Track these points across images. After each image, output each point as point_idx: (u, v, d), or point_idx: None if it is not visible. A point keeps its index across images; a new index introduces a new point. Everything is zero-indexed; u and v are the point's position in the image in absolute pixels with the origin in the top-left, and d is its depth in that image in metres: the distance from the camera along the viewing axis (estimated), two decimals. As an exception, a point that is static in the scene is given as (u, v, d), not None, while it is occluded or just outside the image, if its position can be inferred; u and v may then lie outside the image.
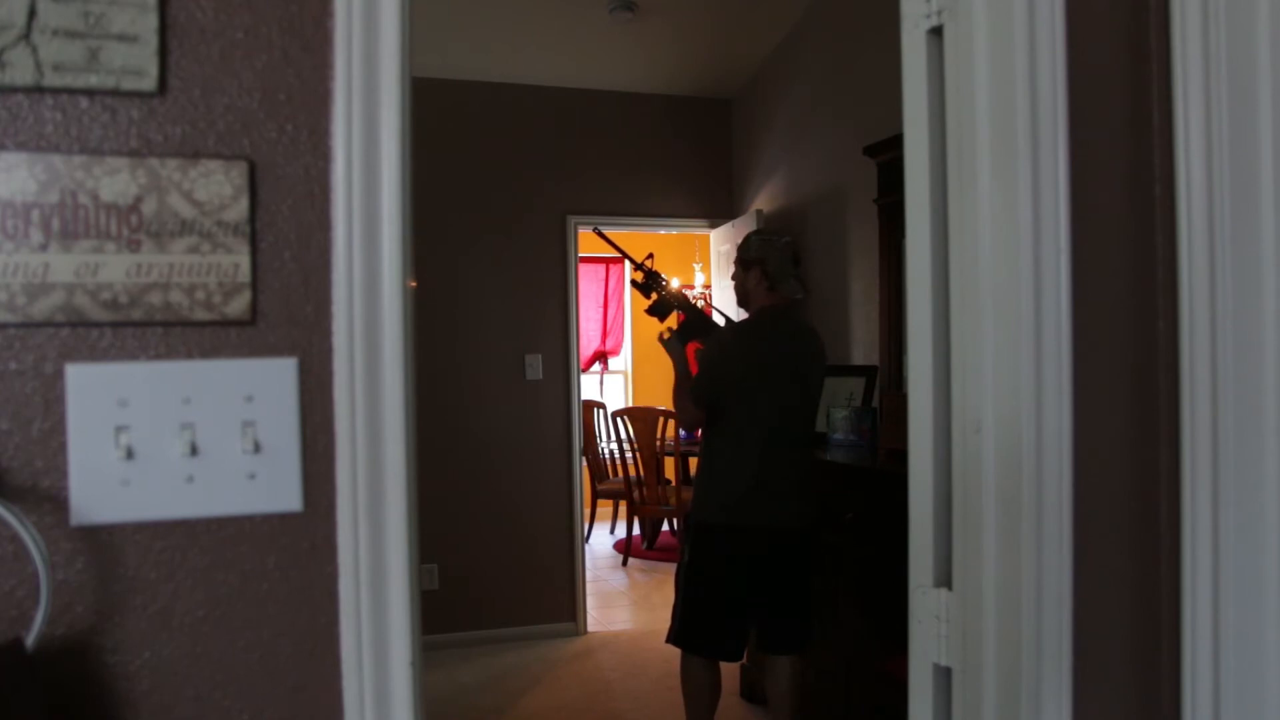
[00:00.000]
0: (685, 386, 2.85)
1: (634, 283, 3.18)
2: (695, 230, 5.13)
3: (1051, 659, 0.99)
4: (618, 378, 8.27)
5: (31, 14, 0.78)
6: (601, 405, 6.80)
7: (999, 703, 1.01)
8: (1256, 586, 0.92)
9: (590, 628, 4.76)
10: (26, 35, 0.78)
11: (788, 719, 2.88)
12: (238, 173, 0.84)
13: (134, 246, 0.81)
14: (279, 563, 0.86)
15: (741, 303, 2.93)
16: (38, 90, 0.79)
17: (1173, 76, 0.98)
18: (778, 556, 2.72)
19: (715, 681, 2.83)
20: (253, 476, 0.85)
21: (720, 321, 3.12)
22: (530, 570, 4.61)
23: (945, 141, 1.08)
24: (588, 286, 7.67)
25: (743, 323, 2.94)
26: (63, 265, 0.79)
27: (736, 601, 2.75)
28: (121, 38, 0.80)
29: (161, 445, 0.82)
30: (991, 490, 1.01)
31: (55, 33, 0.78)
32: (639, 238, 7.62)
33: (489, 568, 4.53)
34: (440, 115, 4.46)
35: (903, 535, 1.16)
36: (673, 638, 2.83)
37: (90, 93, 0.80)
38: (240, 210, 0.84)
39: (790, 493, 2.73)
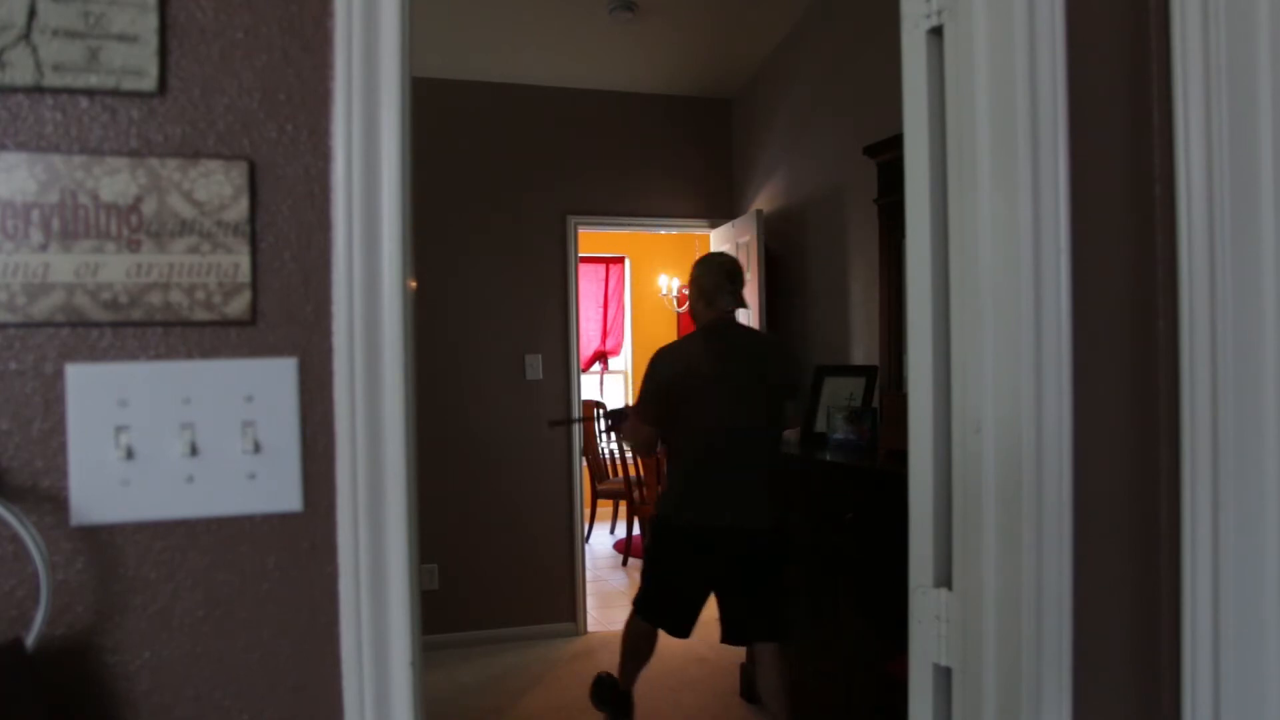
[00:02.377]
0: (628, 425, 3.16)
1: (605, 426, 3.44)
2: (695, 230, 5.13)
3: (1051, 659, 0.98)
4: (618, 378, 8.27)
5: (31, 14, 0.78)
6: (601, 405, 6.80)
7: (999, 703, 1.01)
8: (1256, 586, 0.92)
9: (590, 628, 4.76)
10: (26, 35, 0.78)
11: (787, 715, 3.04)
12: (238, 173, 0.84)
13: (134, 246, 0.81)
14: (279, 563, 0.86)
15: (694, 324, 3.14)
16: (38, 90, 0.79)
17: (1173, 76, 0.98)
18: (732, 554, 2.90)
19: (652, 640, 3.15)
20: (253, 476, 0.85)
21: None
22: (530, 570, 4.61)
23: (945, 142, 1.08)
24: (588, 286, 7.68)
25: (679, 340, 3.16)
26: (63, 265, 0.79)
27: (685, 591, 3.00)
28: (121, 38, 0.80)
29: (161, 445, 0.82)
30: (991, 490, 1.01)
31: (55, 33, 0.78)
32: (639, 238, 7.64)
33: (489, 568, 4.53)
34: (440, 115, 4.46)
35: (903, 535, 1.16)
36: (635, 602, 3.14)
37: (90, 93, 0.80)
38: (240, 210, 0.84)
39: (743, 494, 2.89)
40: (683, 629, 3.05)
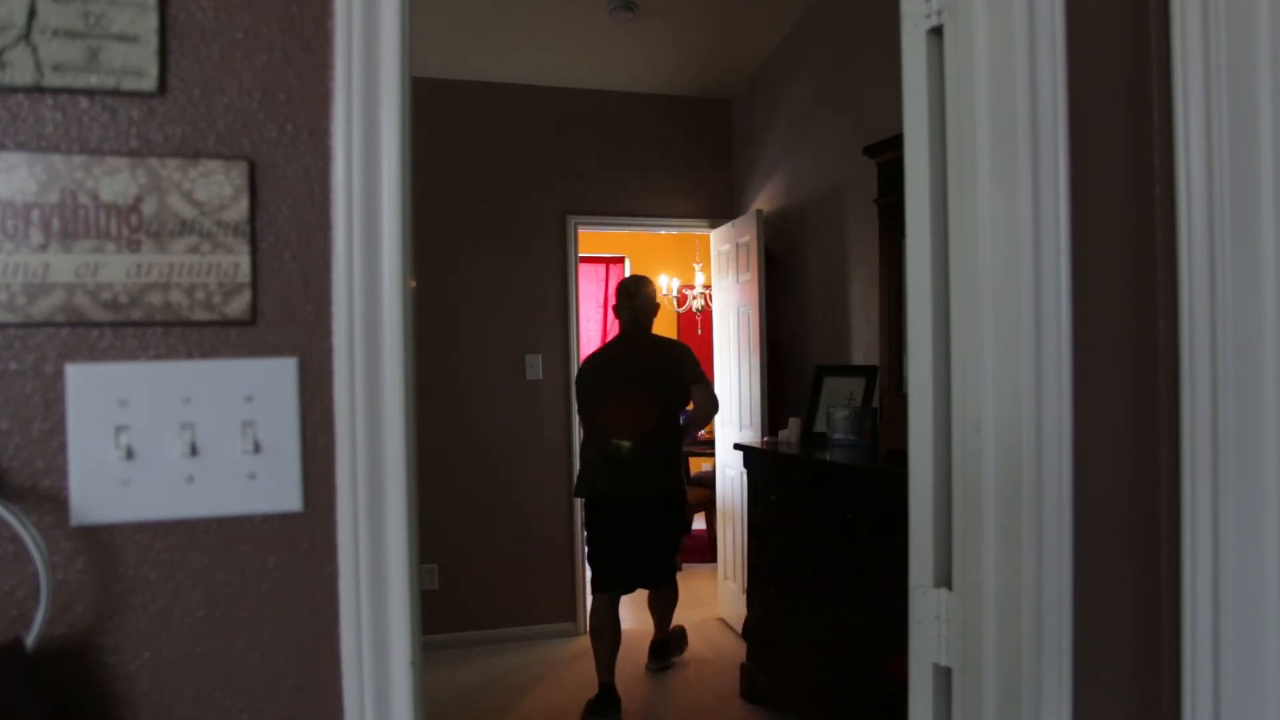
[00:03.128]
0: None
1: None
2: (695, 230, 5.13)
3: (1051, 659, 0.99)
4: (618, 378, 8.25)
5: (31, 14, 0.78)
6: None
7: (999, 703, 1.01)
8: (1256, 586, 0.92)
9: (590, 628, 4.76)
10: (26, 35, 0.78)
11: (663, 630, 3.98)
12: (238, 173, 0.84)
13: (134, 246, 0.81)
14: (279, 563, 0.86)
15: None
16: (38, 90, 0.79)
17: (1173, 76, 0.98)
18: (623, 517, 3.64)
19: (614, 623, 3.66)
20: (253, 476, 0.85)
21: None
22: (530, 570, 4.61)
23: (945, 141, 1.08)
24: (588, 286, 7.67)
25: (596, 350, 3.90)
26: (63, 265, 0.79)
27: (602, 550, 3.70)
28: (121, 38, 0.80)
29: (161, 445, 0.82)
30: (991, 490, 1.01)
31: (55, 33, 0.78)
32: (639, 238, 7.63)
33: (489, 568, 4.53)
34: (440, 115, 4.46)
35: (903, 535, 1.16)
36: (591, 585, 3.77)
37: (90, 93, 0.80)
38: (240, 210, 0.84)
39: (633, 472, 3.58)
40: (612, 583, 3.67)
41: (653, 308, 3.82)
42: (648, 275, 4.25)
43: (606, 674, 3.57)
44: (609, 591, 3.67)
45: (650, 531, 3.68)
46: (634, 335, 3.79)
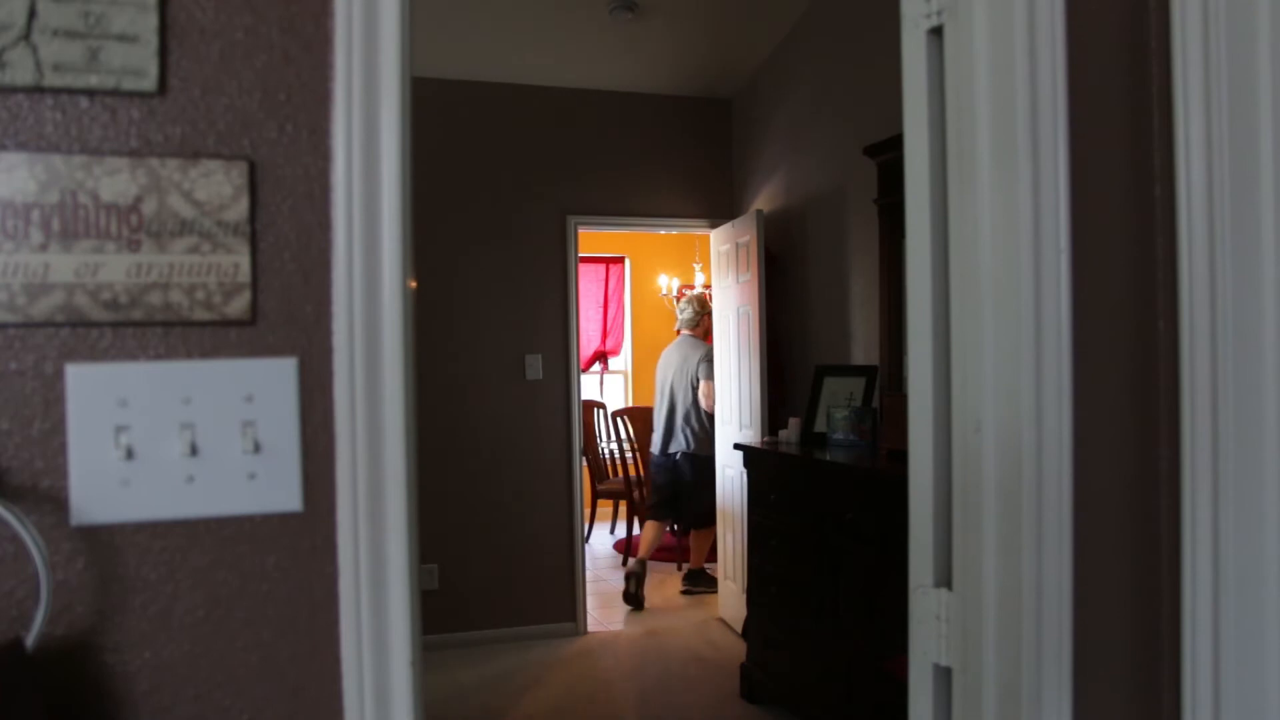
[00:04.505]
0: None
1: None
2: (695, 230, 5.13)
3: (1051, 659, 0.99)
4: (618, 378, 8.27)
5: (31, 14, 0.78)
6: (601, 405, 6.80)
7: (999, 703, 1.01)
8: (1256, 586, 0.92)
9: (590, 628, 4.75)
10: (26, 35, 0.78)
11: (697, 562, 5.45)
12: (238, 173, 0.84)
13: (134, 246, 0.81)
14: (279, 563, 0.86)
15: None
16: (38, 90, 0.79)
17: (1173, 76, 0.98)
18: (673, 469, 5.28)
19: (659, 532, 5.36)
20: (253, 476, 0.85)
21: None
22: (530, 570, 4.61)
23: (945, 141, 1.08)
24: (588, 286, 7.67)
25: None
26: (63, 265, 0.80)
27: (660, 491, 5.37)
28: (121, 38, 0.80)
29: (161, 445, 0.82)
30: (991, 490, 1.01)
31: (55, 33, 0.79)
32: (639, 238, 7.63)
33: (489, 568, 4.53)
34: (440, 115, 4.46)
35: (902, 535, 1.16)
36: (649, 508, 5.49)
37: (90, 93, 0.80)
38: (240, 210, 0.84)
39: (672, 435, 5.27)
40: (661, 514, 5.35)
41: (695, 317, 5.43)
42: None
43: (646, 554, 5.24)
44: (659, 519, 5.37)
45: (690, 483, 5.21)
46: (683, 339, 5.42)
